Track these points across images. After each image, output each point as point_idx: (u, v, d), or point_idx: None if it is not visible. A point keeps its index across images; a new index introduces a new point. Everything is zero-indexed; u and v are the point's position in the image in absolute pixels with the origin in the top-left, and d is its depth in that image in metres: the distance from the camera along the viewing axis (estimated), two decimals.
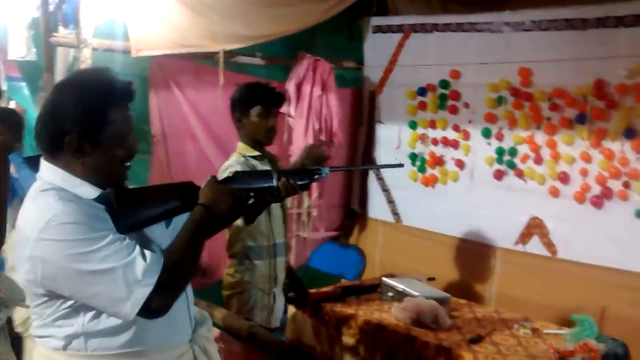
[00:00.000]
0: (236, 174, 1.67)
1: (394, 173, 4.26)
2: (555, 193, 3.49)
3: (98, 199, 1.43)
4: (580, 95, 3.35)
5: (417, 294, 2.91)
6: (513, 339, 2.65)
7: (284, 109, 3.99)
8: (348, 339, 2.87)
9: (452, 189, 4.00)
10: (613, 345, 2.57)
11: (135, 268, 1.35)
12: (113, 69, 1.51)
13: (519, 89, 3.62)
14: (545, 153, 3.54)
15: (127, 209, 1.45)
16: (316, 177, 1.80)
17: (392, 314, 2.83)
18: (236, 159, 2.59)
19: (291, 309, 3.13)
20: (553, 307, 3.33)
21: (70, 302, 1.39)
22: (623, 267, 3.23)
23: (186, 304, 1.59)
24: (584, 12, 3.34)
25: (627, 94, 3.18)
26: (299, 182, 1.78)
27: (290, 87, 3.97)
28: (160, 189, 1.60)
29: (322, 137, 4.07)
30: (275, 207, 2.68)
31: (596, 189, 3.32)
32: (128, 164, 1.51)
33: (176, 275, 1.42)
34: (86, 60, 3.12)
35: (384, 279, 3.18)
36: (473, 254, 3.86)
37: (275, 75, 3.97)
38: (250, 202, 1.64)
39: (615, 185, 3.25)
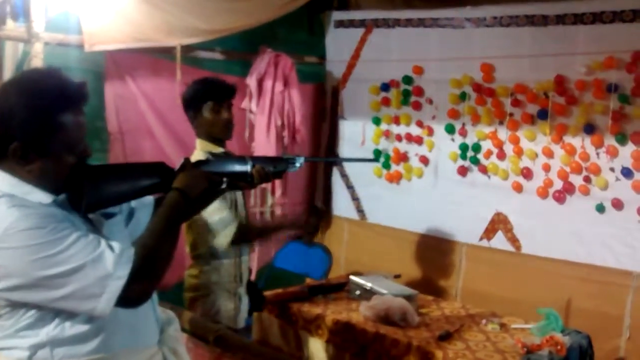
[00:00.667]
0: (209, 157, 1.64)
1: (359, 169, 4.23)
2: (518, 188, 3.53)
3: (54, 204, 1.35)
4: (541, 91, 3.40)
5: (385, 291, 2.89)
6: (481, 334, 2.65)
7: (245, 104, 3.92)
8: (316, 339, 2.83)
9: (417, 186, 4.00)
10: (577, 338, 2.61)
11: (104, 261, 1.30)
12: (66, 66, 1.43)
13: (482, 85, 3.64)
14: (508, 149, 3.57)
15: (96, 184, 1.40)
16: (290, 166, 1.78)
17: (360, 313, 2.80)
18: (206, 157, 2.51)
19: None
20: (518, 302, 3.37)
21: (32, 312, 1.32)
22: (585, 261, 3.30)
23: (151, 305, 1.54)
24: (544, 8, 3.38)
25: (587, 90, 3.24)
26: (273, 170, 1.74)
27: (252, 82, 3.88)
28: (132, 167, 1.55)
29: (285, 134, 4.01)
30: (240, 204, 2.63)
31: (558, 184, 3.37)
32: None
33: (152, 261, 1.36)
34: (37, 55, 2.96)
35: (351, 277, 3.14)
36: (438, 250, 3.87)
37: (235, 70, 3.89)
38: (223, 187, 1.60)
39: (577, 180, 3.30)
